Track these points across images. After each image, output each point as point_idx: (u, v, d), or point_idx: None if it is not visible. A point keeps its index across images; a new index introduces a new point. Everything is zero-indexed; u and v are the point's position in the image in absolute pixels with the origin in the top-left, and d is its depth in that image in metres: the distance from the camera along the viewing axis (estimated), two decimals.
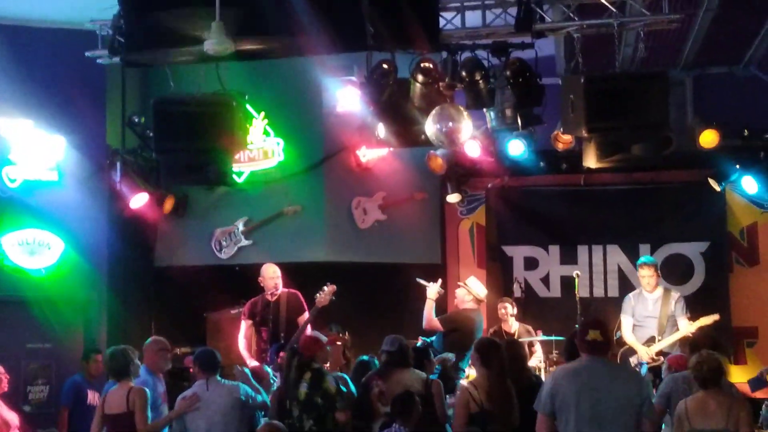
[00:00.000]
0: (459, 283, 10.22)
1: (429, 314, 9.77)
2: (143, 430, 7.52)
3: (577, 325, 9.70)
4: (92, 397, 9.28)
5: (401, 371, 8.04)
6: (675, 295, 9.99)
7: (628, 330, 9.86)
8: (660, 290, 9.95)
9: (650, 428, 6.33)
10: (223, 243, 11.59)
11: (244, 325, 9.91)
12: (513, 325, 10.59)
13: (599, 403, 6.16)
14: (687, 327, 9.57)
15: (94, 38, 8.82)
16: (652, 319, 9.81)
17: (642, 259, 10.32)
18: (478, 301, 10.03)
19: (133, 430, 7.51)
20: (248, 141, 10.07)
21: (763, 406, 7.85)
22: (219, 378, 7.93)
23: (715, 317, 9.56)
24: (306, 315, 9.64)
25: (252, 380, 8.17)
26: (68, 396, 9.41)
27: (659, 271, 10.11)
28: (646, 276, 9.92)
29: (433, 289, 9.82)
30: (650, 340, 9.73)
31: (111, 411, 7.62)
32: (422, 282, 9.95)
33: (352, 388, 8.18)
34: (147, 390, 7.64)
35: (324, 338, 8.29)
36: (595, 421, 6.15)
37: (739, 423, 6.43)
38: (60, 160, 10.46)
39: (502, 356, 7.39)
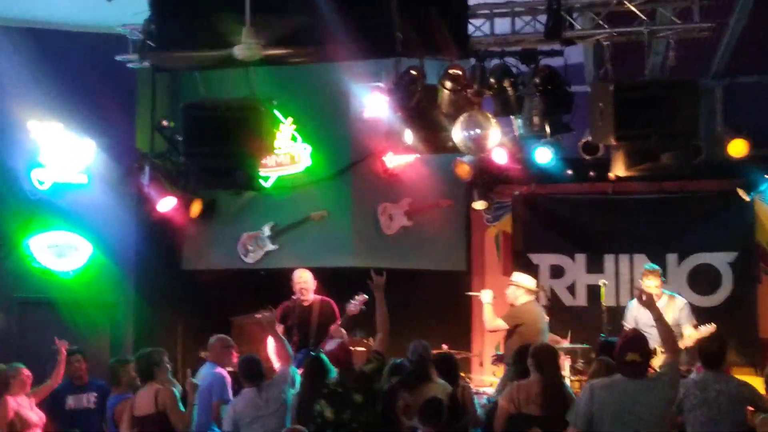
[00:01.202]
0: (508, 283, 10.25)
1: (490, 316, 9.92)
2: (182, 426, 7.58)
3: (602, 335, 9.68)
4: (75, 401, 9.08)
5: (427, 384, 8.05)
6: (680, 302, 9.86)
7: None
8: (665, 298, 9.80)
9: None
10: (250, 247, 11.62)
11: (277, 327, 9.92)
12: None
13: (637, 426, 6.15)
14: (686, 339, 9.43)
15: (125, 42, 8.87)
16: (655, 329, 9.65)
17: (647, 266, 10.21)
18: (531, 291, 10.08)
19: (163, 429, 7.55)
20: (276, 146, 10.15)
21: None
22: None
23: (712, 327, 9.39)
24: (338, 323, 9.64)
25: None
26: (46, 404, 9.06)
27: (664, 279, 9.96)
28: (651, 285, 9.76)
29: (487, 294, 10.02)
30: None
31: (139, 413, 7.67)
32: (473, 294, 10.25)
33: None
34: (175, 390, 7.75)
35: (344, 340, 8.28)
36: None
37: None
38: (89, 163, 10.57)
39: (557, 362, 7.54)
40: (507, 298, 10.12)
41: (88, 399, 8.95)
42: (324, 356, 8.36)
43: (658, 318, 6.71)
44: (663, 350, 9.17)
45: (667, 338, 6.66)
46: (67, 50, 10.44)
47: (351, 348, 8.15)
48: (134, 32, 8.81)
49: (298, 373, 8.75)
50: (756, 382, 7.76)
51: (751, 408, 7.27)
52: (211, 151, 8.58)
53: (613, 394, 6.28)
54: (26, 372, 8.52)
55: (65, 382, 9.32)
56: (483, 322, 10.37)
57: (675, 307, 9.75)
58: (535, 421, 7.36)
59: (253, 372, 7.94)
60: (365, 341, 10.26)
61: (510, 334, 9.82)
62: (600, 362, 7.82)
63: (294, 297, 9.96)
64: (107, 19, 9.15)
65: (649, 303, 6.84)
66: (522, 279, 10.11)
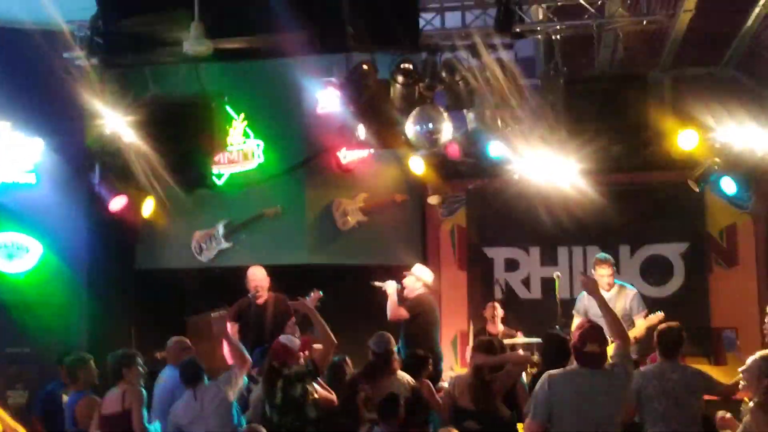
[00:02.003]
0: (405, 273, 10.36)
1: (394, 305, 10.07)
2: (139, 427, 7.54)
3: (557, 326, 9.74)
4: None
5: (387, 376, 8.08)
6: (630, 292, 9.93)
7: None
8: (615, 288, 9.90)
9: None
10: (204, 246, 11.54)
11: (230, 328, 9.87)
12: (499, 327, 10.59)
13: (596, 416, 6.18)
14: (637, 328, 9.51)
15: (72, 39, 8.76)
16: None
17: (598, 255, 10.28)
18: (427, 286, 10.29)
19: (128, 429, 7.51)
20: (228, 143, 10.09)
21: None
22: (206, 383, 7.91)
23: (660, 315, 9.45)
24: (292, 320, 9.60)
25: None
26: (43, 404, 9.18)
27: (615, 269, 10.04)
28: (604, 275, 9.82)
29: (392, 286, 10.14)
30: None
31: (107, 411, 7.64)
32: (378, 284, 10.21)
33: None
34: (143, 390, 7.74)
35: (295, 343, 8.21)
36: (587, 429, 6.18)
37: None
38: (38, 162, 10.39)
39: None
40: (405, 287, 10.25)
41: None
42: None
43: (602, 304, 6.72)
44: (612, 339, 9.40)
45: (614, 325, 6.66)
46: (14, 48, 10.26)
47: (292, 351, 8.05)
48: (81, 28, 8.70)
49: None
50: (710, 371, 7.86)
51: (707, 396, 7.35)
52: (163, 147, 8.48)
53: (571, 385, 6.29)
54: None
55: (58, 384, 9.19)
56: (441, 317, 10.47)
57: (626, 296, 9.84)
58: (468, 414, 7.44)
59: (187, 375, 7.90)
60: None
61: (409, 322, 10.01)
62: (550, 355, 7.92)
63: (248, 295, 9.90)
64: (54, 15, 9.02)
65: (593, 289, 6.85)
66: (422, 272, 10.33)
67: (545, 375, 6.44)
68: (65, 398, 9.13)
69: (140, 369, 7.97)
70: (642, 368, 7.40)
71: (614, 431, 6.27)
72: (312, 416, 7.63)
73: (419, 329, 9.85)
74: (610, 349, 6.80)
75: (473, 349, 8.22)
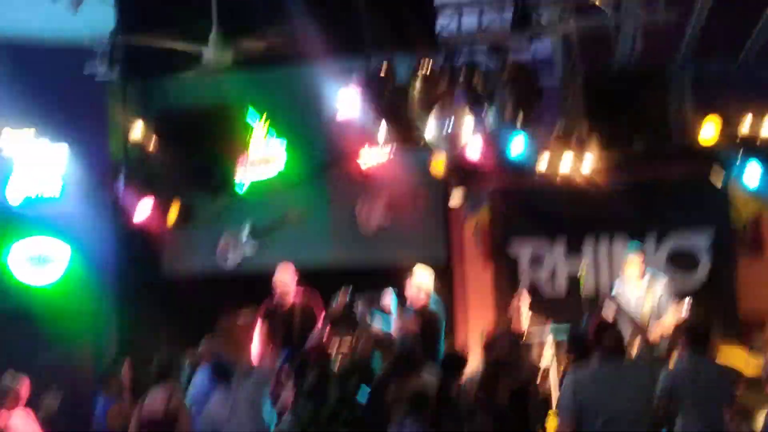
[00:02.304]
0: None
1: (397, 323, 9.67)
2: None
3: (584, 314, 9.72)
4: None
5: (414, 375, 8.12)
6: (662, 279, 9.90)
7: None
8: (647, 276, 9.88)
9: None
10: (228, 251, 11.61)
11: (259, 329, 9.96)
12: (524, 324, 10.54)
13: (618, 407, 6.20)
14: (666, 320, 9.52)
15: (93, 54, 8.85)
16: (637, 305, 9.70)
17: (630, 246, 10.30)
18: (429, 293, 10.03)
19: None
20: (250, 149, 10.15)
21: None
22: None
23: (687, 305, 9.36)
24: (321, 317, 9.66)
25: None
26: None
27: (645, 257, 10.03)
28: (635, 264, 9.85)
29: (393, 302, 9.81)
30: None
31: (148, 412, 7.70)
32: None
33: None
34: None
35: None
36: (614, 424, 6.20)
37: None
38: (64, 173, 10.49)
39: None
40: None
41: None
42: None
43: (630, 320, 6.82)
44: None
45: (637, 329, 6.76)
46: (39, 64, 10.37)
47: (326, 347, 8.16)
48: (101, 44, 8.78)
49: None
50: (743, 354, 7.80)
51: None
52: (186, 155, 8.57)
53: (596, 384, 6.33)
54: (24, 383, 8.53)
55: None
56: (467, 316, 10.44)
57: (656, 286, 9.82)
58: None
59: (220, 373, 8.01)
60: (348, 337, 10.28)
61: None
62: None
63: (275, 297, 9.97)
64: (76, 32, 9.11)
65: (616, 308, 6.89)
66: (422, 278, 10.00)
67: (570, 377, 6.48)
68: None
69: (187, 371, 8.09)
70: (671, 367, 7.38)
71: (645, 423, 6.28)
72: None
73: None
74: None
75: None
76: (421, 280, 10.00)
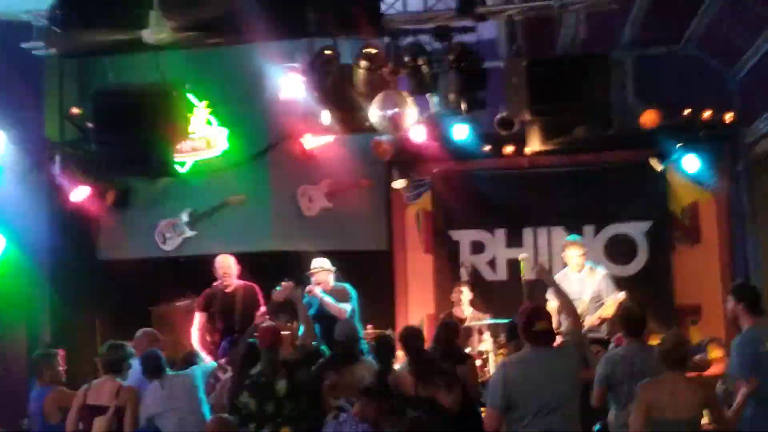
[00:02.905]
0: (312, 272, 9.90)
1: (334, 305, 9.62)
2: (132, 429, 7.50)
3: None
4: None
5: (354, 364, 8.08)
6: (601, 271, 9.98)
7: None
8: (586, 269, 9.97)
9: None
10: (167, 235, 11.47)
11: (198, 317, 9.82)
12: (465, 311, 10.59)
13: (549, 395, 6.21)
14: (607, 308, 9.54)
15: (30, 29, 8.61)
16: (576, 300, 9.75)
17: (569, 237, 10.38)
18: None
19: (116, 423, 7.46)
20: (190, 130, 9.99)
21: (719, 382, 7.95)
22: (170, 372, 7.87)
23: (622, 296, 9.43)
24: (262, 309, 9.55)
25: None
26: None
27: (585, 250, 10.11)
28: (574, 256, 9.91)
29: (318, 289, 9.70)
30: None
31: (94, 402, 7.55)
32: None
33: None
34: (138, 392, 7.67)
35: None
36: (545, 413, 6.21)
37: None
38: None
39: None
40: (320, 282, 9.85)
41: None
42: (252, 344, 8.35)
43: (556, 289, 7.02)
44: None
45: (566, 306, 6.85)
46: None
47: (277, 330, 8.08)
48: (39, 18, 8.56)
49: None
50: None
51: None
52: (124, 137, 8.40)
53: (525, 369, 6.32)
54: None
55: None
56: (407, 302, 10.46)
57: (596, 277, 9.88)
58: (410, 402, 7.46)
59: (149, 367, 7.86)
60: (289, 325, 10.20)
61: None
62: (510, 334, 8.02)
63: (216, 283, 9.84)
64: (11, 5, 8.86)
65: (544, 276, 7.04)
66: (326, 262, 9.97)
67: (499, 363, 6.51)
68: None
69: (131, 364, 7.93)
70: (608, 353, 7.42)
71: (574, 408, 6.31)
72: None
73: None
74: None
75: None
76: (327, 263, 9.95)
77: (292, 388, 7.64)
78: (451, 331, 8.52)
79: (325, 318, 9.41)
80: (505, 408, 6.30)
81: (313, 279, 9.80)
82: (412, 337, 8.07)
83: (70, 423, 7.70)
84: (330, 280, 9.86)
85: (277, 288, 9.17)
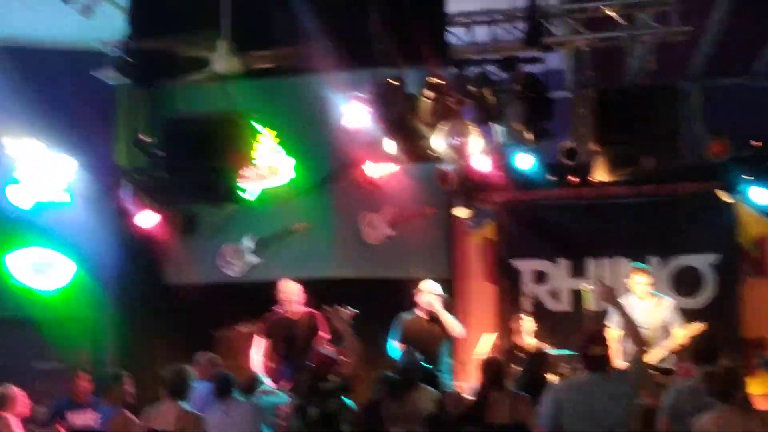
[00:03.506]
0: (417, 291, 10.14)
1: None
2: None
3: None
4: (76, 418, 9.13)
5: (412, 391, 8.03)
6: (667, 302, 9.85)
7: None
8: (654, 299, 9.84)
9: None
10: (231, 260, 11.55)
11: (259, 342, 9.87)
12: (526, 340, 10.48)
13: (600, 420, 6.15)
14: (675, 338, 9.42)
15: (103, 58, 8.80)
16: (643, 330, 9.62)
17: (634, 264, 10.23)
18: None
19: None
20: (256, 157, 10.10)
21: None
22: (237, 396, 7.91)
23: (704, 326, 9.30)
24: (324, 336, 9.56)
25: None
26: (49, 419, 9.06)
27: (652, 279, 9.98)
28: (641, 283, 9.78)
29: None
30: None
31: (157, 427, 7.60)
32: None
33: None
34: (201, 417, 7.69)
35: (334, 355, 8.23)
36: None
37: None
38: (69, 180, 10.42)
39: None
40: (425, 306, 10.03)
41: (91, 417, 8.87)
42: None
43: (621, 313, 6.89)
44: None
45: (631, 330, 6.76)
46: (46, 67, 10.33)
47: (332, 361, 8.05)
48: (113, 48, 8.74)
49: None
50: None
51: None
52: (192, 164, 8.52)
53: (575, 392, 6.32)
54: (23, 395, 8.44)
55: (65, 399, 9.26)
56: (468, 331, 10.44)
57: (663, 307, 9.76)
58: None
59: (221, 387, 7.95)
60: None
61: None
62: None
63: (277, 308, 9.88)
64: (86, 35, 9.07)
65: (607, 298, 6.97)
66: (438, 287, 10.15)
67: (552, 387, 6.48)
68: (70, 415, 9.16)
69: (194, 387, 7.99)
70: (677, 383, 7.31)
71: None
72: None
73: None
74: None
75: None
76: (435, 287, 10.06)
77: (323, 416, 7.62)
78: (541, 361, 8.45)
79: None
80: (555, 423, 6.26)
81: (421, 301, 9.95)
82: (497, 365, 8.02)
83: None
84: (436, 304, 9.96)
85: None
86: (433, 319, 9.94)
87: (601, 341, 6.36)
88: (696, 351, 7.21)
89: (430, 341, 9.72)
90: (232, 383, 7.95)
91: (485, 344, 10.01)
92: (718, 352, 7.17)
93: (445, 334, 10.03)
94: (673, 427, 6.98)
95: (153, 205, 10.35)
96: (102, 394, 8.34)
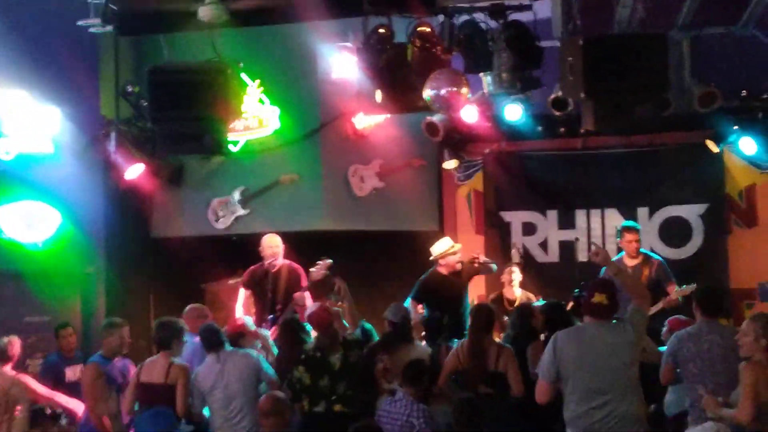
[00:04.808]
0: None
1: None
2: (184, 406, 7.58)
3: (576, 291, 9.68)
4: (71, 373, 9.26)
5: (406, 345, 8.08)
6: (655, 261, 9.93)
7: None
8: (641, 256, 9.90)
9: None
10: (220, 213, 11.53)
11: (242, 294, 9.90)
12: (516, 292, 10.55)
13: (602, 368, 6.18)
14: (667, 299, 9.49)
15: (86, 7, 8.67)
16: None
17: (625, 223, 10.27)
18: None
19: (168, 403, 7.55)
20: (243, 109, 10.03)
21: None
22: (229, 347, 7.93)
23: (692, 287, 9.21)
24: (304, 288, 9.59)
25: None
26: (45, 378, 9.12)
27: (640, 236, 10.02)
28: (632, 241, 9.85)
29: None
30: None
31: (149, 380, 7.65)
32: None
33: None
34: (189, 367, 7.76)
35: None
36: (597, 386, 6.18)
37: None
38: (55, 131, 10.34)
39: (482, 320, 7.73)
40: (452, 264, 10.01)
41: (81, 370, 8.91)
42: (296, 319, 8.40)
43: (617, 272, 6.89)
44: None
45: (631, 286, 6.79)
46: (28, 16, 10.18)
47: (329, 308, 8.12)
48: None
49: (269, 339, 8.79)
50: None
51: None
52: (178, 115, 8.43)
53: (576, 340, 6.37)
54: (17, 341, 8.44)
55: (57, 355, 9.28)
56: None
57: (651, 265, 9.82)
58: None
59: (209, 340, 7.92)
60: (340, 305, 10.23)
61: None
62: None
63: (263, 262, 9.89)
64: None
65: (603, 259, 6.93)
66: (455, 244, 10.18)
67: (553, 335, 6.51)
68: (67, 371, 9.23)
69: (185, 341, 8.01)
70: (679, 331, 7.32)
71: (627, 384, 6.25)
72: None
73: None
74: None
75: None
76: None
77: (347, 364, 7.66)
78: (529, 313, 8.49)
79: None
80: (556, 379, 6.30)
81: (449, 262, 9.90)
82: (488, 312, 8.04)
83: (126, 402, 7.82)
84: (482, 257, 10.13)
85: (314, 268, 9.27)
86: (454, 273, 9.87)
87: (606, 289, 6.37)
88: (703, 299, 7.21)
89: (452, 293, 9.74)
90: (220, 335, 7.96)
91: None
92: (723, 302, 7.25)
93: (466, 285, 10.06)
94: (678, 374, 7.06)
95: (139, 157, 10.28)
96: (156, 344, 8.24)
